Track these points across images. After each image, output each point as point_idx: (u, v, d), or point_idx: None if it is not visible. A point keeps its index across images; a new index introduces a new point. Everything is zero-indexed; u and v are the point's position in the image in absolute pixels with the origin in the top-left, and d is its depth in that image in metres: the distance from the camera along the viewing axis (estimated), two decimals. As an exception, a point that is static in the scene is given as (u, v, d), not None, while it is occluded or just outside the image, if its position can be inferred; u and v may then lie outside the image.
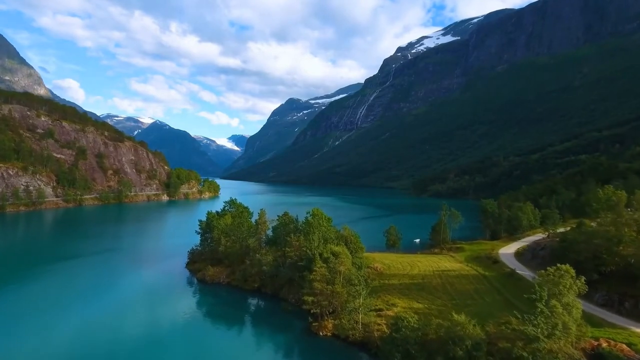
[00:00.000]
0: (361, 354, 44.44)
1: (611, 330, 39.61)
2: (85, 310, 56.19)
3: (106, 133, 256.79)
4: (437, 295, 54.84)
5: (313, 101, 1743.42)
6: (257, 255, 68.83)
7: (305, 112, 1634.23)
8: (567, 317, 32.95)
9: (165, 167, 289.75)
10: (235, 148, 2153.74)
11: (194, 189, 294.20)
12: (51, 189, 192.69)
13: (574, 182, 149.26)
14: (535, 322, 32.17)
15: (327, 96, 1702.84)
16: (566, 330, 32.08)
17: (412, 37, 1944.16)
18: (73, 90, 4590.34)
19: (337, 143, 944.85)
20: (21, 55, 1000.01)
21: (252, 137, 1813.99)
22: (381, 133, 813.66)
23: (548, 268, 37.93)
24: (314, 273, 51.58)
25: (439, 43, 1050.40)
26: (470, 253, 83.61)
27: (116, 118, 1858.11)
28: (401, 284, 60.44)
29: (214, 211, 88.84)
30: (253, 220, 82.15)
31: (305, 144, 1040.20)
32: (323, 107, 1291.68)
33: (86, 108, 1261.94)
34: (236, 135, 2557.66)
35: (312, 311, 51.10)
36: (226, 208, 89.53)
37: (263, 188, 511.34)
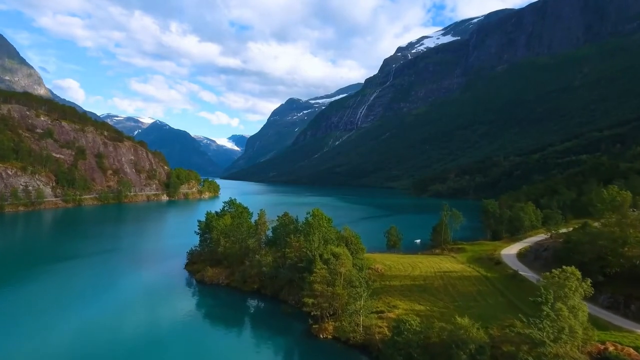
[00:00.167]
0: (362, 357, 43.69)
1: (617, 333, 38.87)
2: (84, 311, 55.74)
3: (106, 133, 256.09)
4: (439, 297, 54.10)
5: (313, 101, 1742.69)
6: (257, 256, 68.10)
7: (305, 112, 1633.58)
8: (574, 321, 32.21)
9: (165, 167, 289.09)
10: (235, 148, 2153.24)
11: (193, 189, 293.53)
12: (50, 189, 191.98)
13: (575, 182, 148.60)
14: (541, 325, 31.42)
15: (327, 96, 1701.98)
16: (573, 334, 31.35)
17: (412, 37, 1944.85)
18: (73, 90, 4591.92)
19: (337, 143, 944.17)
20: (21, 55, 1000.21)
21: (252, 137, 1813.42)
22: (381, 133, 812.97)
23: (553, 270, 37.19)
24: (314, 275, 50.82)
25: (439, 43, 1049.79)
26: (472, 254, 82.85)
27: (116, 118, 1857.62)
28: (402, 286, 59.71)
29: (213, 211, 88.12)
30: (253, 220, 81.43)
31: (305, 144, 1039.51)
32: (323, 107, 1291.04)
33: (86, 108, 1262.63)
34: (236, 135, 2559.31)
35: (312, 313, 50.33)
36: (225, 208, 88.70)
37: (263, 188, 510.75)
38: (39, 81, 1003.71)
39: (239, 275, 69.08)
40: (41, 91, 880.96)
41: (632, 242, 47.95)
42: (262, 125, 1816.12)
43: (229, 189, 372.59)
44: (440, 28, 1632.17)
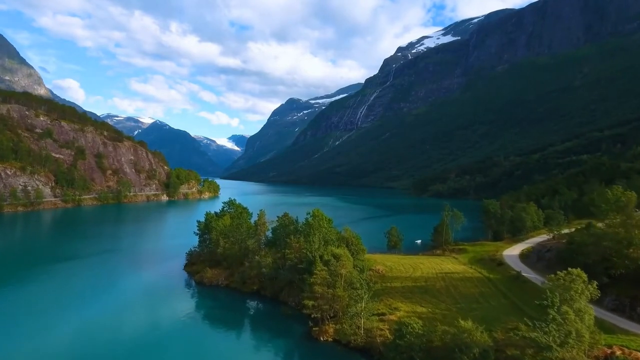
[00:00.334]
0: (363, 360, 43.04)
1: (624, 337, 38.11)
2: (83, 312, 55.36)
3: (105, 133, 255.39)
4: (441, 299, 53.40)
5: (313, 101, 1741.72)
6: (256, 257, 67.42)
7: (305, 112, 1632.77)
8: (580, 325, 31.50)
9: (165, 167, 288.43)
10: (235, 148, 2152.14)
11: (193, 189, 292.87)
12: (49, 189, 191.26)
13: (576, 182, 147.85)
14: (547, 329, 30.70)
15: (327, 96, 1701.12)
16: (579, 338, 30.65)
17: (412, 37, 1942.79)
18: (73, 90, 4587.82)
19: (337, 143, 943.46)
20: (21, 55, 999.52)
21: (252, 137, 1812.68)
22: (381, 133, 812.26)
23: (558, 272, 36.48)
24: (314, 276, 50.14)
25: (439, 43, 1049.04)
26: (474, 255, 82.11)
27: (116, 118, 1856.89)
28: (404, 287, 59.01)
29: (212, 212, 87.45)
30: (252, 221, 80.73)
31: (306, 144, 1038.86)
32: (323, 107, 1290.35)
33: (86, 108, 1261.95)
34: (236, 135, 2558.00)
35: (312, 315, 49.65)
36: (225, 209, 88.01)
37: (263, 188, 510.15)
38: (39, 81, 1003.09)
39: (238, 277, 68.41)
40: (41, 91, 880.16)
41: (637, 244, 47.22)
42: (262, 125, 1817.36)
43: (229, 189, 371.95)
44: (441, 28, 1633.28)
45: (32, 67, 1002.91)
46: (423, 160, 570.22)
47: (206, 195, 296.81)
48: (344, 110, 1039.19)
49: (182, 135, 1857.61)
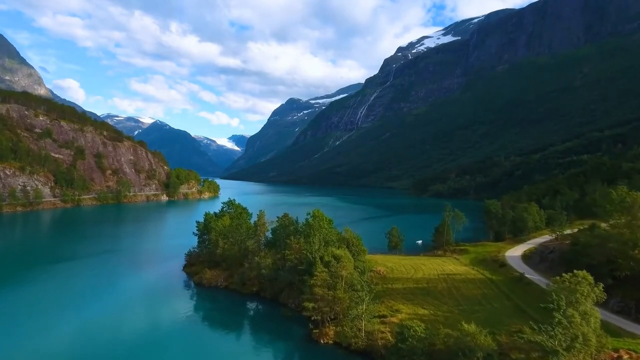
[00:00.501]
0: (364, 363, 42.35)
1: (631, 340, 37.39)
2: (81, 314, 54.93)
3: (105, 133, 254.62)
4: (443, 301, 52.68)
5: (313, 101, 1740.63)
6: (256, 258, 66.70)
7: (305, 112, 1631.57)
8: (587, 328, 30.80)
9: (165, 167, 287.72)
10: (236, 148, 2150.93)
11: (193, 189, 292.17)
12: (49, 189, 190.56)
13: (577, 182, 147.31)
14: (553, 333, 30.01)
15: (327, 96, 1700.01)
16: (586, 342, 29.97)
17: (412, 37, 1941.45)
18: (73, 90, 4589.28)
19: (337, 143, 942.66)
20: (21, 55, 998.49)
21: (252, 137, 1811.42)
22: (381, 133, 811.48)
23: (563, 274, 35.78)
24: (314, 278, 49.42)
25: (440, 43, 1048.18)
26: (475, 255, 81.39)
27: (116, 118, 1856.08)
28: (405, 289, 58.30)
29: (212, 212, 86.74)
30: (252, 221, 79.99)
31: (306, 144, 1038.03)
32: (323, 107, 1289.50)
33: (86, 108, 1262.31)
34: (236, 135, 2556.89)
35: (312, 318, 48.94)
36: (224, 209, 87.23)
37: (263, 188, 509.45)
38: (39, 81, 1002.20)
39: (237, 278, 67.70)
40: (41, 91, 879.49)
41: (643, 245, 46.50)
42: (262, 125, 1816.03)
43: (229, 189, 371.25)
44: (441, 28, 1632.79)
45: (32, 67, 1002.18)
46: (423, 160, 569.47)
47: (206, 195, 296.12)
48: (344, 110, 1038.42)
49: (182, 135, 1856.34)
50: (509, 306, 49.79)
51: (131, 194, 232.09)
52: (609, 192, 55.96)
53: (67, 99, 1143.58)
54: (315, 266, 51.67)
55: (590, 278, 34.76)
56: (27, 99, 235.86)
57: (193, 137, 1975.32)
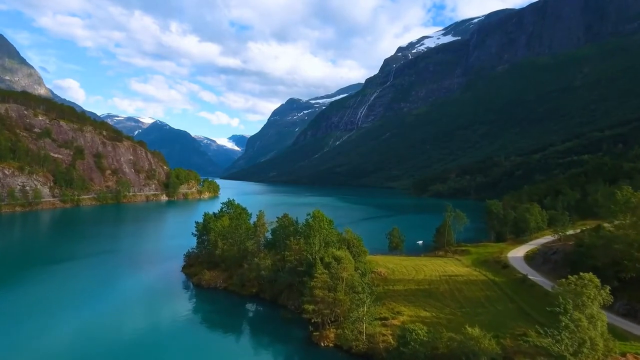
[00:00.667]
0: (366, 367, 41.60)
1: (638, 344, 36.60)
2: (79, 315, 54.43)
3: (104, 133, 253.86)
4: (445, 303, 51.89)
5: (313, 101, 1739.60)
6: (255, 259, 65.90)
7: (305, 112, 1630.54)
8: (594, 332, 30.04)
9: (165, 167, 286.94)
10: (236, 148, 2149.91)
11: (193, 189, 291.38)
12: (48, 189, 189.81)
13: (578, 183, 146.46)
14: (559, 337, 29.24)
15: (327, 96, 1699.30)
16: (594, 346, 29.21)
17: (412, 37, 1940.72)
18: (73, 90, 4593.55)
19: (337, 143, 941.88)
20: (21, 55, 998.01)
21: (252, 137, 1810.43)
22: (382, 133, 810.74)
23: (569, 277, 35.02)
24: (314, 280, 48.64)
25: (440, 43, 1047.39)
26: (477, 256, 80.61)
27: (116, 118, 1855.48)
28: (407, 290, 57.52)
29: (211, 212, 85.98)
30: (251, 222, 79.17)
31: (306, 144, 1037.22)
32: (323, 107, 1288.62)
33: (86, 108, 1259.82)
34: (236, 135, 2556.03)
35: (312, 320, 48.16)
36: (224, 209, 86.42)
37: (263, 188, 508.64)
38: (39, 81, 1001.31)
39: (237, 279, 66.92)
40: (41, 91, 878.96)
41: (648, 246, 45.68)
42: (262, 125, 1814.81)
43: (229, 189, 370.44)
44: (441, 28, 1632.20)
45: (32, 67, 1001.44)
46: (423, 160, 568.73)
47: (206, 195, 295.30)
48: (344, 110, 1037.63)
49: (182, 135, 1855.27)
50: (513, 308, 49.01)
51: (131, 194, 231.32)
52: (614, 192, 55.13)
53: (67, 99, 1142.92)
54: (315, 267, 50.93)
55: (597, 280, 34.01)
56: (26, 98, 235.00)
57: (193, 137, 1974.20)
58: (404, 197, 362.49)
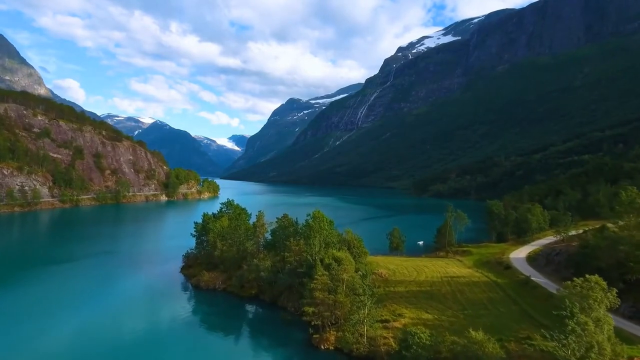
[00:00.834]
0: (366, 370, 40.89)
1: (645, 348, 35.98)
2: (77, 316, 54.01)
3: (104, 132, 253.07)
4: (448, 305, 51.14)
5: (313, 101, 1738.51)
6: (255, 260, 65.20)
7: (305, 112, 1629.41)
8: (601, 336, 29.32)
9: (164, 167, 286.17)
10: (236, 148, 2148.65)
11: (193, 189, 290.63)
12: (47, 189, 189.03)
13: (579, 183, 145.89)
14: (565, 341, 28.52)
15: (327, 96, 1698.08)
16: (601, 351, 28.49)
17: (412, 37, 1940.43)
18: (73, 90, 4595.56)
19: (337, 143, 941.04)
20: (21, 55, 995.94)
21: (252, 137, 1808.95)
22: (382, 133, 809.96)
23: (575, 279, 34.29)
24: (315, 281, 47.89)
25: (440, 43, 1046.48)
26: (479, 257, 79.86)
27: (116, 118, 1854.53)
28: (408, 292, 56.78)
29: (210, 213, 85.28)
30: (251, 222, 78.42)
31: (306, 144, 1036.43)
32: (323, 107, 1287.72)
33: (86, 108, 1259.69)
34: (236, 135, 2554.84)
35: (312, 322, 47.43)
36: (223, 210, 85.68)
37: (263, 188, 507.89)
38: (39, 81, 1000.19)
39: (236, 280, 66.17)
40: (41, 91, 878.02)
41: (654, 247, 44.92)
42: (262, 125, 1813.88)
43: (229, 189, 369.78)
44: (441, 28, 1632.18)
45: (32, 67, 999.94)
46: (423, 160, 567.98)
47: (206, 195, 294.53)
48: (344, 110, 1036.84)
49: (183, 135, 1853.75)
50: (516, 311, 48.26)
51: (130, 194, 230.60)
52: (619, 192, 54.37)
53: (67, 99, 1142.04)
54: (315, 269, 50.23)
55: (604, 283, 33.30)
56: (25, 98, 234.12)
57: (193, 137, 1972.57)
58: (404, 197, 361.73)
